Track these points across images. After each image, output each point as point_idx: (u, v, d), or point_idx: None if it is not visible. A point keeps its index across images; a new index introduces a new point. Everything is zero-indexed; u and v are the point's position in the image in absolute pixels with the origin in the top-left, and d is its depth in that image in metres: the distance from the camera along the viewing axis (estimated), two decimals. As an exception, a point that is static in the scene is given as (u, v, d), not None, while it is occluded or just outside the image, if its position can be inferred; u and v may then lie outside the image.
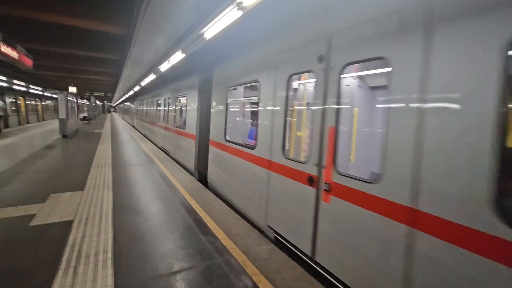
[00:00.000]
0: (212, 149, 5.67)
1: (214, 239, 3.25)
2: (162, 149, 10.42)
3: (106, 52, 11.69)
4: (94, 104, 29.95)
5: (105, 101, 59.11)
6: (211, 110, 5.77)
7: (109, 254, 2.79)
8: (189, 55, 6.00)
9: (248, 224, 3.75)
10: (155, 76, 10.62)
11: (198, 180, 6.13)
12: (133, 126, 21.74)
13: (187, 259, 2.77)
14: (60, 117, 12.07)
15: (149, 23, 5.57)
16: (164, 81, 11.47)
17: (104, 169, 6.55)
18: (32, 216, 3.66)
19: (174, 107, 9.32)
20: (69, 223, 3.50)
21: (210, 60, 6.00)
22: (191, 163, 7.12)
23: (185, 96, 8.08)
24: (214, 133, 5.59)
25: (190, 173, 6.87)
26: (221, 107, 5.25)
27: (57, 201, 4.29)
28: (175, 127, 8.95)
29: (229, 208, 4.35)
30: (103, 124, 22.56)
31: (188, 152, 7.38)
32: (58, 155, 8.32)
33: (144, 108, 17.57)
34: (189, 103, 7.51)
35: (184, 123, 8.29)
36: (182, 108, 9.12)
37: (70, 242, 3.01)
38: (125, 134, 15.50)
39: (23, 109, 20.19)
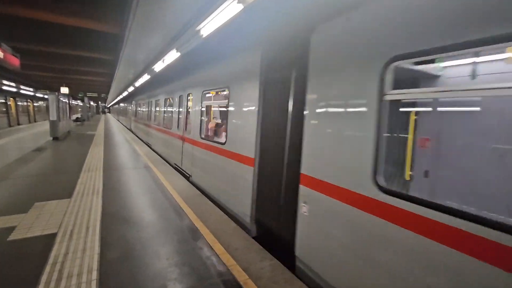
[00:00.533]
0: (313, 197, 2.73)
1: (212, 254, 2.97)
2: (177, 168, 7.54)
3: (98, 51, 11.34)
4: (88, 105, 29.38)
5: (99, 102, 58.40)
6: (305, 113, 2.87)
7: (94, 275, 2.49)
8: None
9: (248, 236, 3.47)
10: (160, 68, 8.55)
11: (255, 239, 3.55)
12: (130, 130, 20.61)
13: (182, 280, 2.49)
14: (51, 118, 11.64)
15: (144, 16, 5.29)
16: (174, 75, 8.86)
17: (95, 174, 6.21)
18: (11, 229, 3.34)
19: (200, 108, 6.12)
20: (52, 237, 3.18)
21: (303, 15, 3.18)
22: (242, 205, 4.11)
23: (223, 91, 5.31)
24: (324, 166, 2.65)
25: (238, 222, 4.07)
26: (355, 109, 2.34)
27: (41, 210, 3.97)
28: (202, 138, 5.92)
29: (228, 217, 4.06)
30: (96, 126, 22.07)
31: (232, 184, 4.47)
32: (47, 158, 7.94)
33: (145, 110, 14.11)
34: (234, 101, 4.48)
35: (215, 133, 6.03)
36: (214, 110, 6.81)
37: (51, 260, 2.71)
38: (119, 136, 15.10)
39: (13, 110, 19.63)
